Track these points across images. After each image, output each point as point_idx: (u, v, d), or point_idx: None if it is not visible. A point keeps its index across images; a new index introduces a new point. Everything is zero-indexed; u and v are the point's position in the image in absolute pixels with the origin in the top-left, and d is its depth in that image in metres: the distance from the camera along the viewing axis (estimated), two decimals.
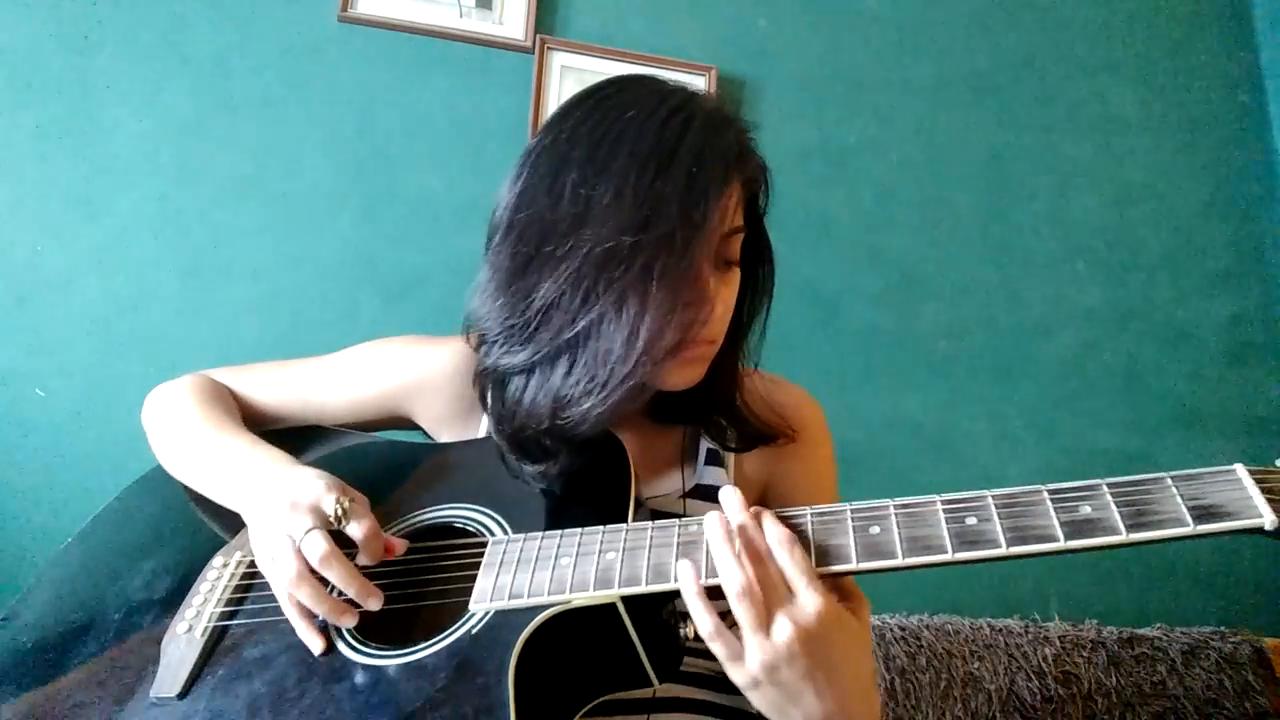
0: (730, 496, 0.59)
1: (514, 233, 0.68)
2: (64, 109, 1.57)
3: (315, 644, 0.63)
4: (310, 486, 0.66)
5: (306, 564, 0.63)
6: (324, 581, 0.64)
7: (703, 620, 0.55)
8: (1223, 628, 1.51)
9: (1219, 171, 2.03)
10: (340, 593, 0.64)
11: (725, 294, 0.71)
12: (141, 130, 1.59)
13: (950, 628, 1.44)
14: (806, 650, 0.54)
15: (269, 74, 1.66)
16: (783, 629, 0.53)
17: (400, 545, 0.68)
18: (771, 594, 0.55)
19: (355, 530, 0.65)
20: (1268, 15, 2.10)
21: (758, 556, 0.56)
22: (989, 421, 1.80)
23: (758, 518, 0.58)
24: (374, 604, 0.64)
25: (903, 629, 1.42)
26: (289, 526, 0.64)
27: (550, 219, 0.66)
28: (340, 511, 0.65)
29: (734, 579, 0.55)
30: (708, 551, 0.58)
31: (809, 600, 0.54)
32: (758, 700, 0.57)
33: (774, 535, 0.57)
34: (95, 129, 1.58)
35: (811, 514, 0.59)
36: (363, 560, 0.66)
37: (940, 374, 1.82)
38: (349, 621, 0.64)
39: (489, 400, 0.73)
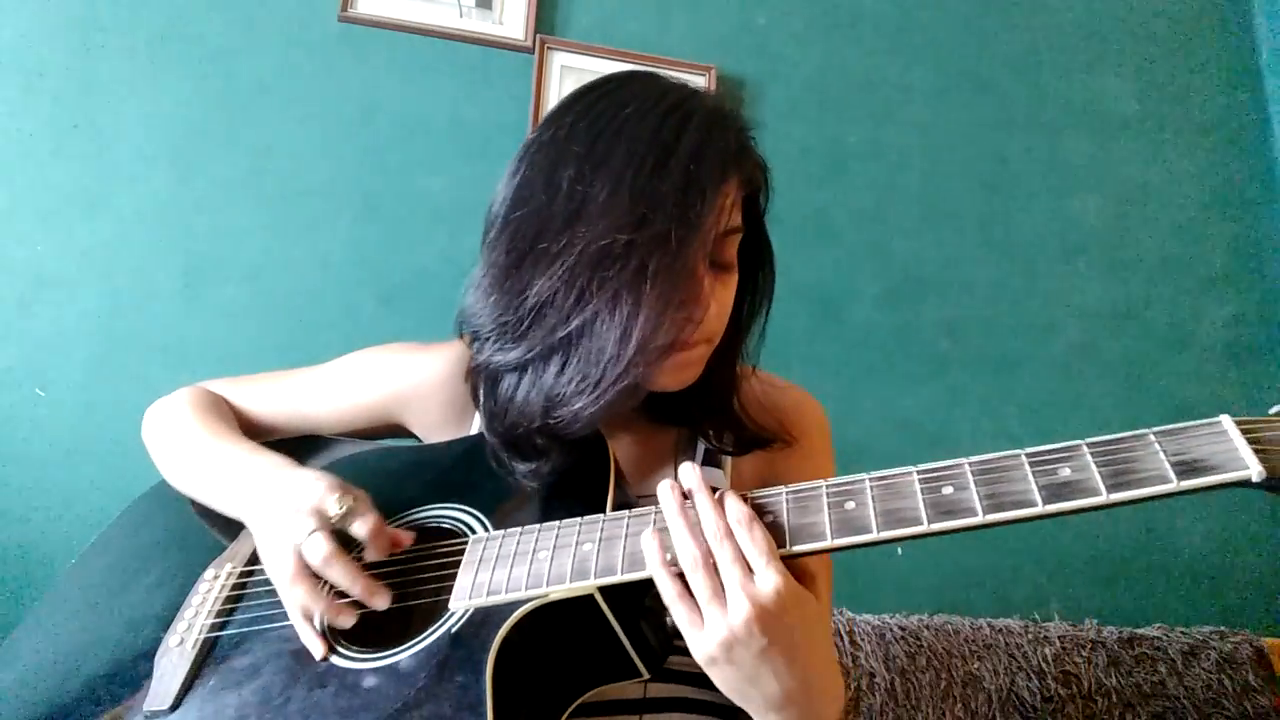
0: (688, 471, 0.59)
1: (509, 228, 0.67)
2: (64, 109, 1.57)
3: (316, 649, 0.63)
4: (311, 488, 0.66)
5: (304, 565, 0.63)
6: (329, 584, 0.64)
7: (665, 588, 0.55)
8: (1223, 628, 1.51)
9: (1219, 171, 2.03)
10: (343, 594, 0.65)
11: (721, 295, 0.70)
12: (141, 130, 1.60)
13: (950, 628, 1.44)
14: (764, 629, 0.53)
15: (269, 74, 1.66)
16: (739, 607, 0.53)
17: (407, 538, 0.68)
18: (729, 572, 0.54)
19: (359, 529, 0.65)
20: (1268, 15, 2.10)
21: (715, 533, 0.56)
22: (989, 420, 1.80)
23: (721, 497, 0.58)
24: (380, 602, 0.64)
25: (903, 629, 1.42)
26: (291, 530, 0.64)
27: (546, 215, 0.65)
28: (343, 511, 0.65)
29: (687, 551, 0.55)
30: None
31: (767, 579, 0.53)
32: (718, 679, 0.57)
33: (734, 513, 0.56)
34: (95, 129, 1.58)
35: (786, 492, 0.59)
36: (370, 556, 0.66)
37: (940, 373, 1.82)
38: (347, 621, 0.64)
39: (481, 397, 0.72)
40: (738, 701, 0.58)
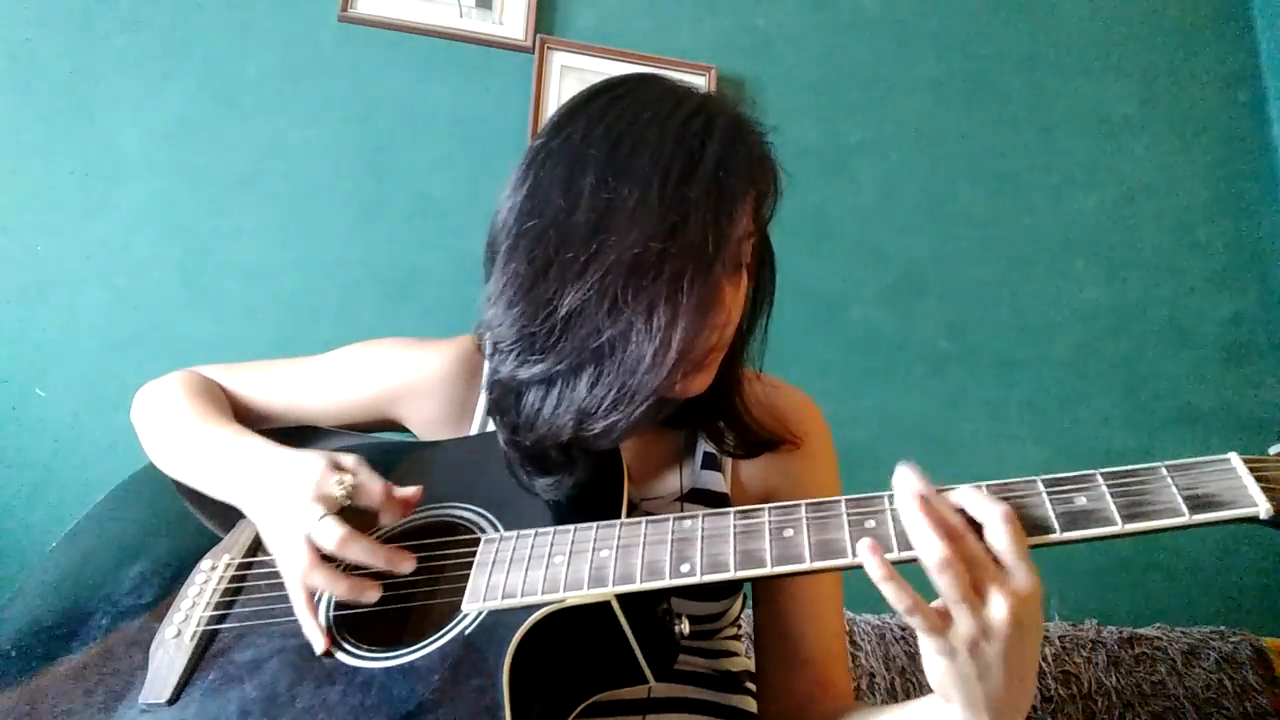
0: (908, 473, 0.55)
1: (527, 238, 0.65)
2: (65, 109, 1.57)
3: (319, 643, 0.62)
4: (308, 472, 0.66)
5: (317, 552, 0.63)
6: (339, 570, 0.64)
7: (899, 598, 0.52)
8: (1223, 628, 1.51)
9: (1219, 171, 2.03)
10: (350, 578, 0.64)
11: (736, 298, 0.70)
12: (142, 130, 1.60)
13: None
14: (1016, 628, 0.50)
15: (269, 74, 1.66)
16: (998, 604, 0.50)
17: (416, 493, 0.68)
18: (977, 569, 0.51)
19: (368, 499, 0.65)
20: (1268, 15, 2.10)
21: (953, 531, 0.52)
22: (989, 421, 1.80)
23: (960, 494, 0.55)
24: (407, 566, 0.64)
25: (903, 629, 1.42)
26: (299, 520, 0.63)
27: (567, 223, 0.63)
28: (347, 490, 0.65)
29: (933, 550, 0.51)
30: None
31: (1026, 578, 0.51)
32: (942, 669, 0.54)
33: (993, 511, 0.52)
34: (96, 129, 1.58)
35: (806, 505, 0.59)
36: (387, 520, 0.66)
37: (940, 374, 1.81)
38: (373, 596, 0.63)
39: (502, 411, 0.70)
40: (952, 695, 0.55)
